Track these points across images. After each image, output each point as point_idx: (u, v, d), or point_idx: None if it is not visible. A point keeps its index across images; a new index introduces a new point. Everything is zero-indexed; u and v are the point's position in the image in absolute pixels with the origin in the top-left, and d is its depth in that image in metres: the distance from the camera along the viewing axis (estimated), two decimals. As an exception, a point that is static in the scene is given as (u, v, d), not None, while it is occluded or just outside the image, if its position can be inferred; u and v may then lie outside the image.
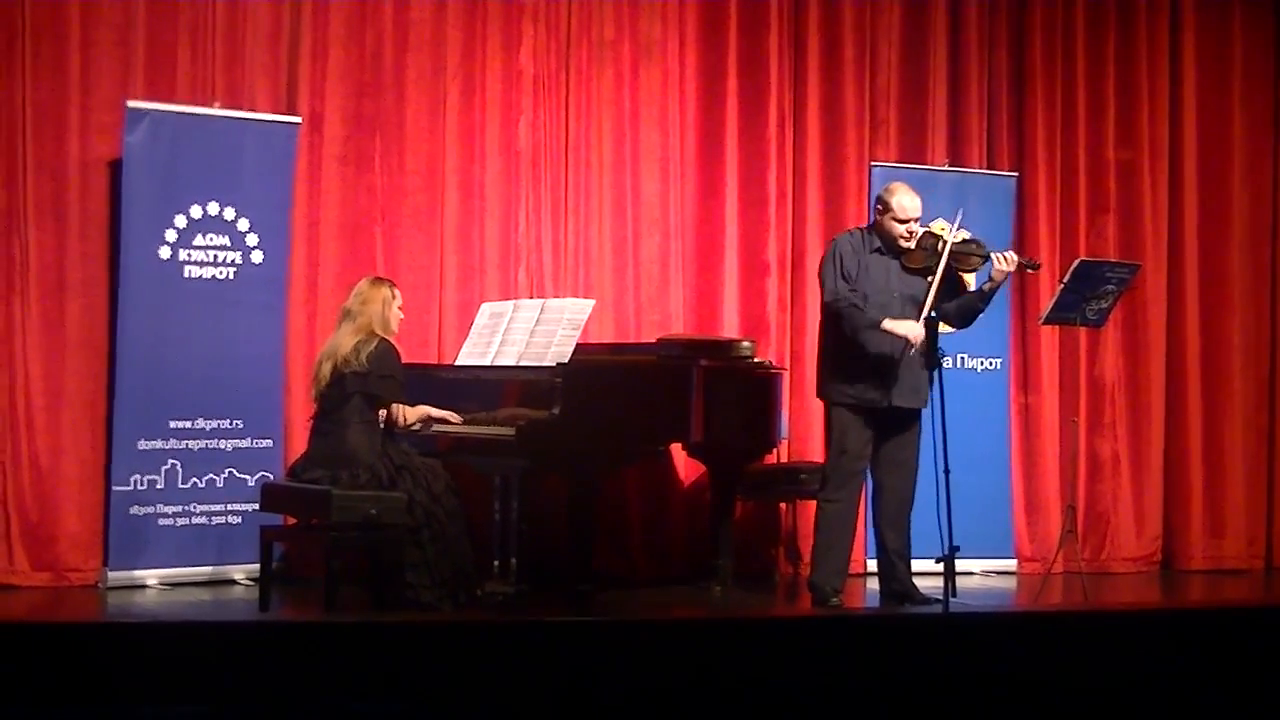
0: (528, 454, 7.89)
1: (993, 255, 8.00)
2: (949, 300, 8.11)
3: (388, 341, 7.77)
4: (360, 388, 7.67)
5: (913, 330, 7.80)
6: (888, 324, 7.86)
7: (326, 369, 7.74)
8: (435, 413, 8.01)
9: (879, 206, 8.13)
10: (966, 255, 8.05)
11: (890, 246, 8.04)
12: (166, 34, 8.90)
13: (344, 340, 7.73)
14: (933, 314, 7.79)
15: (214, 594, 8.57)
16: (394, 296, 7.89)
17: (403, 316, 8.01)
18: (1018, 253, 8.31)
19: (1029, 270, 8.41)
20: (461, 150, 9.44)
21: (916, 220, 8.02)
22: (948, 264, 7.91)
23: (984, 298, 8.10)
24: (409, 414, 7.93)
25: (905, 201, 8.03)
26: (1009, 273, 8.01)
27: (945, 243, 7.94)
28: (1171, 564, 10.47)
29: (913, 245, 8.01)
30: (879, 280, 8.01)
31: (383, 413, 7.90)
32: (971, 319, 8.26)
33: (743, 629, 5.30)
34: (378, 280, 7.99)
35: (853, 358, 7.98)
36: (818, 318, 9.67)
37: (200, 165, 8.70)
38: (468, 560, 7.76)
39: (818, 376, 8.31)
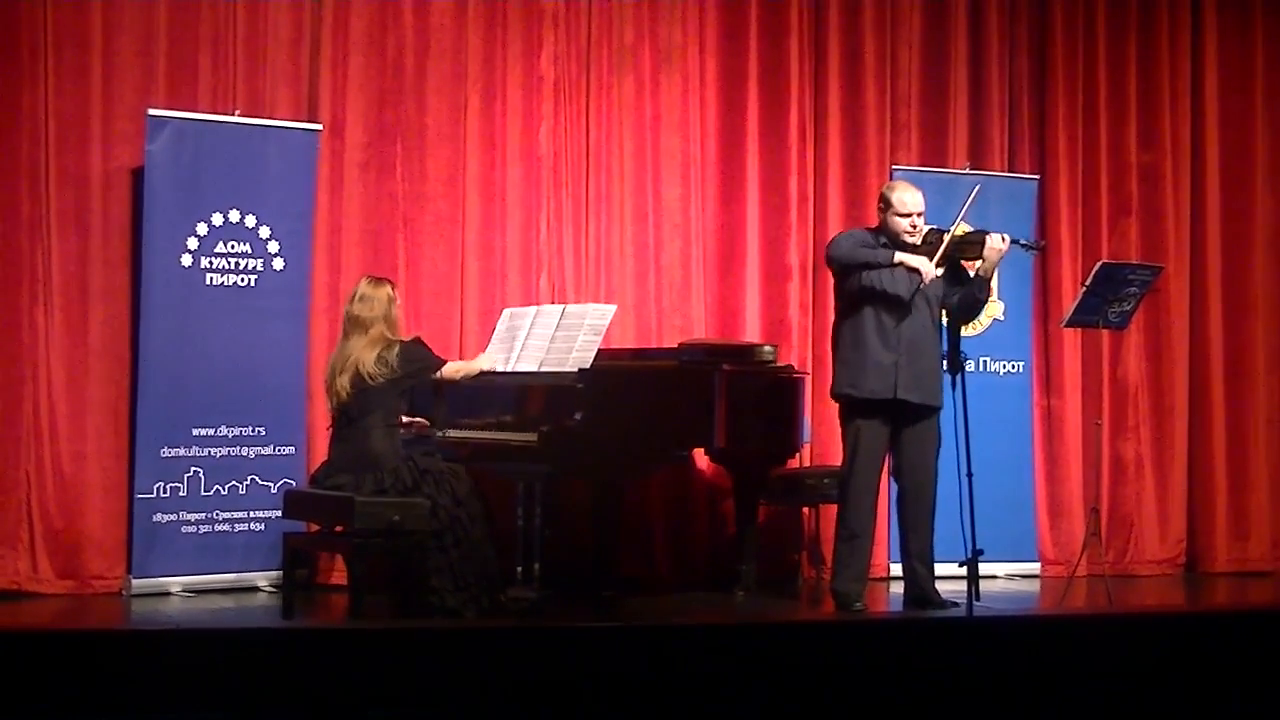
0: (550, 460, 7.88)
1: (986, 236, 7.99)
2: (955, 293, 8.11)
3: (406, 340, 7.84)
4: (396, 391, 7.71)
5: (925, 265, 7.82)
6: (900, 256, 7.88)
7: (345, 381, 7.72)
8: (473, 365, 8.20)
9: (881, 205, 8.16)
10: (969, 244, 8.03)
11: (896, 243, 8.03)
12: (188, 42, 8.92)
13: (360, 354, 7.69)
14: (947, 310, 7.84)
15: (237, 601, 8.57)
16: (396, 296, 7.92)
17: (400, 314, 8.04)
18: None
19: (1031, 251, 8.38)
20: (482, 156, 9.44)
21: (919, 215, 8.02)
22: (947, 251, 7.90)
23: (980, 286, 8.09)
24: (448, 371, 8.05)
25: (905, 197, 8.05)
26: (1002, 252, 7.99)
27: (948, 233, 7.94)
28: (1196, 567, 10.43)
29: (918, 240, 8.01)
30: (886, 275, 8.01)
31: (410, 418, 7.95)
32: (974, 309, 8.27)
33: (766, 634, 5.30)
34: (378, 280, 7.97)
35: (858, 354, 7.99)
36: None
37: (222, 173, 8.71)
38: (491, 565, 7.76)
39: (832, 374, 8.32)
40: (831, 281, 9.80)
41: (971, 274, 8.19)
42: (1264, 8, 10.72)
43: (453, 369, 8.08)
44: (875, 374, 7.95)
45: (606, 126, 9.67)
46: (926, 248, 7.97)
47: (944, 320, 8.18)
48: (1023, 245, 8.12)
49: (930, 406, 8.03)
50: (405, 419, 8.03)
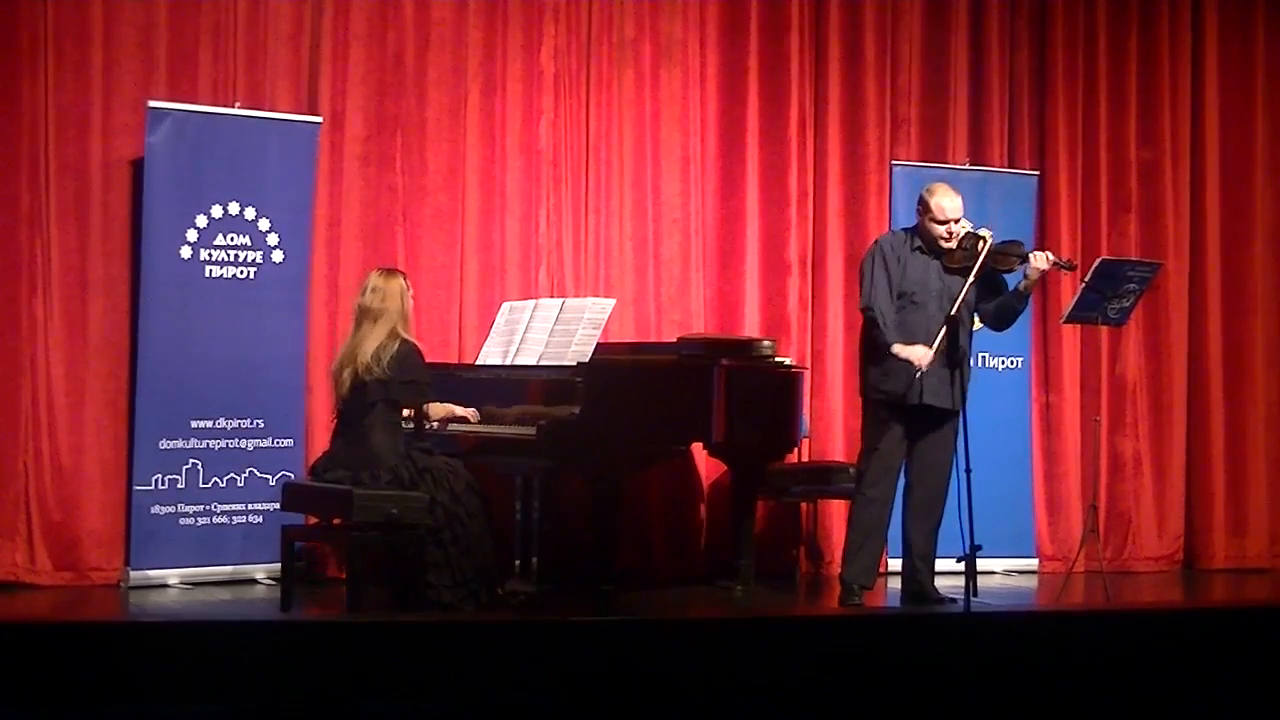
0: (548, 454, 7.88)
1: (1029, 254, 7.98)
2: (989, 301, 8.10)
3: (409, 343, 7.75)
4: (383, 395, 7.67)
5: (916, 354, 7.79)
6: (896, 348, 7.86)
7: (346, 376, 7.71)
8: (459, 411, 8.02)
9: (919, 207, 8.09)
10: (1005, 255, 7.98)
11: (931, 246, 8.01)
12: (188, 35, 8.92)
13: (365, 344, 7.68)
14: (957, 314, 7.81)
15: (235, 593, 8.58)
16: (408, 287, 7.89)
17: (411, 305, 8.00)
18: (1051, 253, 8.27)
19: (1064, 270, 8.39)
20: (482, 150, 9.44)
21: (956, 221, 7.97)
22: (984, 263, 7.87)
23: (1020, 297, 8.07)
24: (434, 410, 7.93)
25: (944, 202, 7.99)
26: (1044, 271, 7.98)
27: (986, 242, 7.90)
28: (1193, 563, 10.45)
29: (954, 245, 7.97)
30: (918, 278, 7.99)
31: (408, 410, 7.91)
32: (1009, 319, 8.21)
33: (764, 628, 5.29)
34: (391, 272, 7.95)
35: (886, 357, 7.97)
36: (839, 317, 9.76)
37: (221, 165, 8.71)
38: (489, 560, 7.76)
39: (860, 375, 8.32)
40: (830, 278, 9.87)
41: (1007, 281, 8.16)
42: (1265, 5, 10.73)
43: (438, 409, 8.01)
44: (904, 378, 7.92)
45: (606, 121, 9.67)
46: (963, 253, 7.91)
47: (975, 326, 8.21)
48: (1060, 265, 8.10)
49: (953, 411, 7.97)
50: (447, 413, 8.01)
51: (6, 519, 8.51)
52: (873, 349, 8.07)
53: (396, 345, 7.69)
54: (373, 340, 7.68)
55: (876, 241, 8.30)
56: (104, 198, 8.74)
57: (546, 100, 9.55)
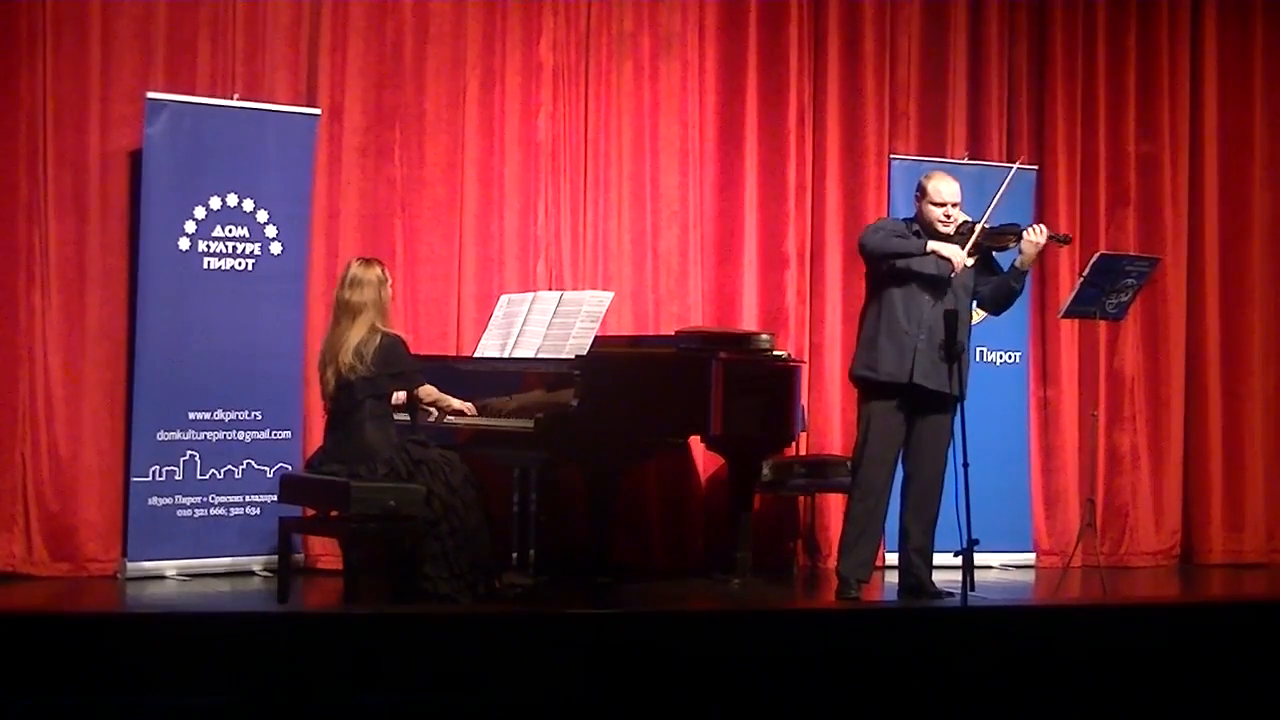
0: (546, 446, 7.88)
1: (1024, 229, 7.98)
2: (986, 284, 8.10)
3: (390, 336, 7.73)
4: (371, 391, 7.66)
5: (957, 255, 7.82)
6: (932, 245, 7.86)
7: (329, 375, 7.70)
8: (455, 404, 8.00)
9: (917, 193, 8.12)
10: (1000, 234, 8.00)
11: (929, 232, 8.02)
12: (187, 26, 8.91)
13: (345, 341, 7.67)
14: (955, 308, 7.82)
15: (232, 585, 8.58)
16: (386, 277, 7.87)
17: (391, 295, 7.98)
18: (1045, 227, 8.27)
19: (1060, 244, 8.38)
20: (481, 142, 9.44)
21: (954, 205, 7.99)
22: (977, 240, 7.88)
23: (1017, 276, 8.06)
24: (424, 394, 7.91)
25: (941, 186, 8.03)
26: (1039, 245, 7.98)
27: (980, 224, 7.92)
28: (1190, 558, 10.45)
29: (951, 230, 7.98)
30: (916, 263, 7.98)
31: (399, 396, 7.90)
32: (1007, 301, 8.20)
33: (761, 621, 5.30)
34: (368, 262, 7.90)
35: (880, 335, 7.98)
36: (837, 310, 9.75)
37: (220, 157, 8.71)
38: (486, 552, 7.75)
39: (853, 357, 8.31)
40: (828, 271, 9.86)
41: (1002, 263, 8.18)
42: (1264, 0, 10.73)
43: (430, 394, 8.00)
44: (894, 358, 7.94)
45: (605, 113, 9.66)
46: (959, 238, 7.95)
47: (975, 319, 8.22)
48: (1055, 239, 8.11)
49: (945, 394, 7.96)
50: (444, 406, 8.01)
51: (4, 510, 8.50)
52: (871, 335, 8.06)
53: (378, 340, 7.67)
54: (353, 337, 7.65)
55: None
56: (102, 189, 8.73)
57: (545, 93, 9.55)
